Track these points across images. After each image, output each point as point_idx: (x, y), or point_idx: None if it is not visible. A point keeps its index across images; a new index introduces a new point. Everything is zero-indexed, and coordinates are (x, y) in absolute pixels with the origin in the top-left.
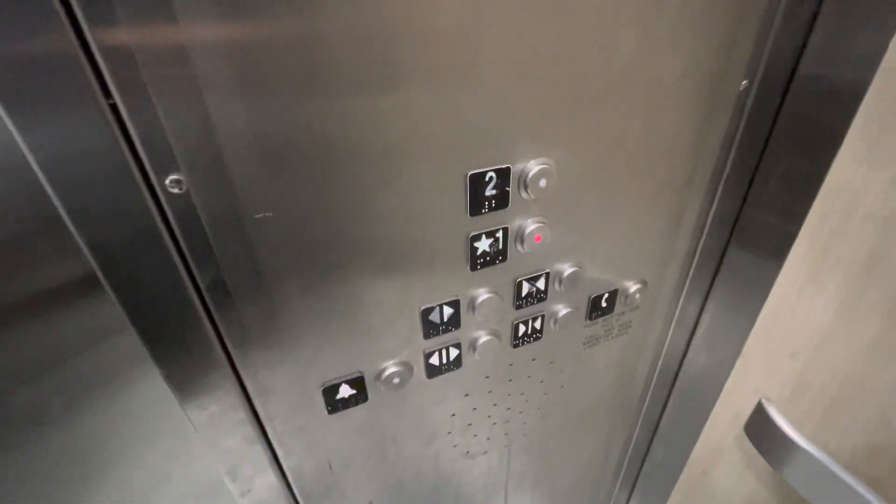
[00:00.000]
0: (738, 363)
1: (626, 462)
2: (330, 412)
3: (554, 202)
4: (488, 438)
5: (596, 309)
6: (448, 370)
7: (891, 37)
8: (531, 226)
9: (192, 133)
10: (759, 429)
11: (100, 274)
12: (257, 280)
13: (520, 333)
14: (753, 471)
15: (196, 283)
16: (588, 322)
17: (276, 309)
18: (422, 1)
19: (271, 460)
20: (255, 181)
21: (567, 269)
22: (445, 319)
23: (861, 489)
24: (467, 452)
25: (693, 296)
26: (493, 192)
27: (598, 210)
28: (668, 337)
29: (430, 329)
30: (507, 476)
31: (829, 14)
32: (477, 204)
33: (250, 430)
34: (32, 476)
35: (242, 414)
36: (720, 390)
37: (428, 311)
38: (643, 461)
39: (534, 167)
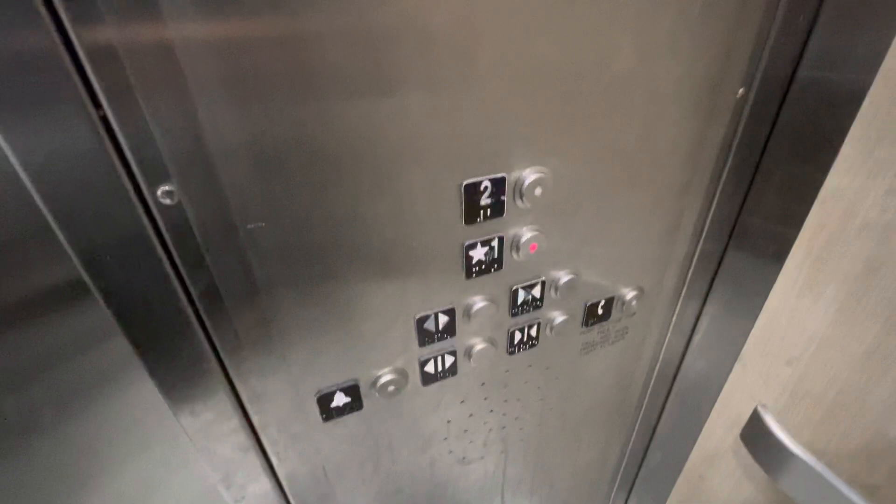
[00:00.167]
0: (735, 369)
1: (622, 467)
2: (325, 420)
3: (549, 210)
4: (484, 444)
5: (592, 316)
6: (443, 377)
7: (887, 46)
8: (527, 234)
9: (184, 143)
10: (755, 436)
11: (91, 285)
12: (251, 288)
13: (516, 341)
14: (750, 477)
15: (188, 293)
16: (584, 329)
17: (269, 317)
18: (418, 9)
19: (266, 468)
20: (247, 191)
21: (563, 277)
22: (441, 327)
23: (857, 498)
24: (463, 459)
25: (690, 302)
26: (489, 200)
27: (594, 218)
28: (665, 343)
29: (426, 337)
30: (503, 482)
31: (826, 23)
32: (472, 213)
33: (244, 438)
34: (23, 485)
35: (236, 422)
36: (717, 396)
37: (423, 319)
38: (640, 466)
39: (529, 176)
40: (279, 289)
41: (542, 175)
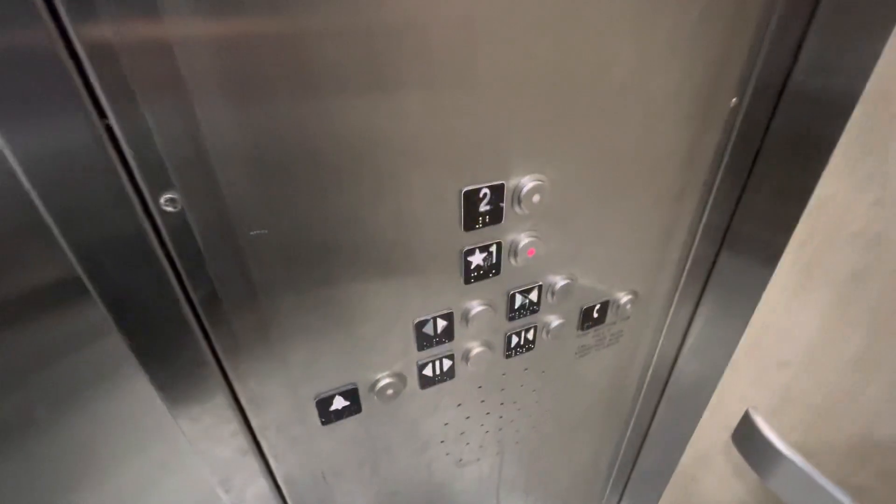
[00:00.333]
0: (727, 372)
1: (616, 469)
2: (323, 423)
3: (547, 217)
4: (481, 446)
5: (588, 319)
6: (441, 381)
7: (877, 57)
8: (524, 240)
9: (186, 150)
10: (746, 438)
11: (93, 290)
12: (251, 292)
13: (512, 344)
14: (741, 478)
15: (189, 297)
16: (580, 332)
17: (269, 321)
18: (417, 17)
19: (264, 471)
20: (249, 197)
21: (560, 282)
22: (439, 331)
23: (844, 498)
24: (460, 461)
25: (683, 306)
26: (487, 207)
27: (590, 224)
28: (659, 346)
29: (424, 341)
30: (498, 483)
31: (818, 35)
32: (471, 219)
33: (243, 441)
34: (18, 485)
35: (235, 425)
36: (709, 399)
37: (422, 323)
38: (633, 468)
39: (528, 183)
40: (279, 293)
41: (539, 182)
